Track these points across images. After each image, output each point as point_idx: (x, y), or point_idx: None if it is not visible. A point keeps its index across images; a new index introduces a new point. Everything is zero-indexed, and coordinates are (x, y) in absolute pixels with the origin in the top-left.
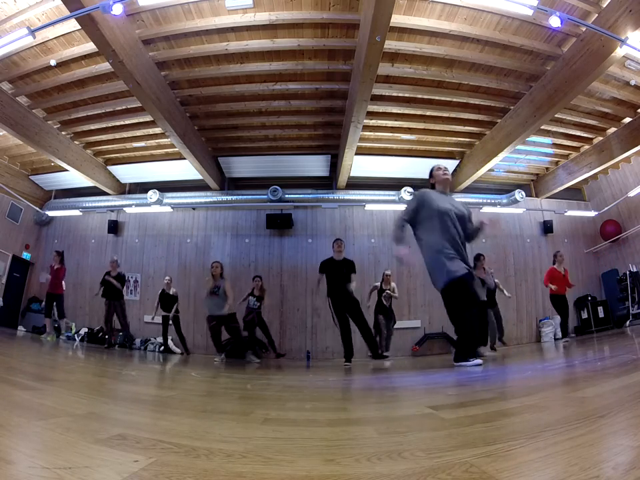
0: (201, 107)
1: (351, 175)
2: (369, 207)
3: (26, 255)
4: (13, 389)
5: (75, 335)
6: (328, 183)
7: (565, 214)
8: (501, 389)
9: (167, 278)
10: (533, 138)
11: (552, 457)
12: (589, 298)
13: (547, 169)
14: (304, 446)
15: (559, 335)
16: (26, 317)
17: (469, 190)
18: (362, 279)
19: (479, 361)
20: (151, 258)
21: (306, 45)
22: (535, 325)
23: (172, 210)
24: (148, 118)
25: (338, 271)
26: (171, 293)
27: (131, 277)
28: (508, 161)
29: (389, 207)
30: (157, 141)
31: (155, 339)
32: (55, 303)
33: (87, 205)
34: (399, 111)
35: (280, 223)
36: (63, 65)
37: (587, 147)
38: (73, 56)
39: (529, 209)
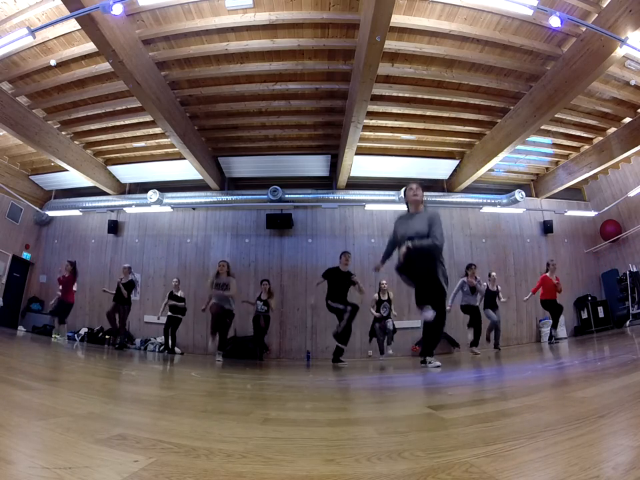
0: (200, 106)
1: (351, 175)
2: (368, 206)
3: (26, 255)
4: (13, 389)
5: (76, 336)
6: (328, 183)
7: (565, 214)
8: (500, 389)
9: (175, 279)
10: (533, 138)
11: (552, 456)
12: (589, 298)
13: (547, 168)
14: (304, 446)
15: (558, 335)
16: (26, 317)
17: (468, 190)
18: (362, 279)
19: (437, 362)
20: (151, 258)
21: (306, 45)
22: (535, 325)
23: (172, 210)
24: (148, 118)
25: (341, 281)
26: (179, 294)
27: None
28: (508, 161)
29: (389, 207)
30: (157, 141)
31: (155, 338)
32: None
33: (87, 204)
34: (399, 111)
35: (280, 223)
36: (63, 64)
37: (586, 146)
38: (72, 56)
39: (529, 209)
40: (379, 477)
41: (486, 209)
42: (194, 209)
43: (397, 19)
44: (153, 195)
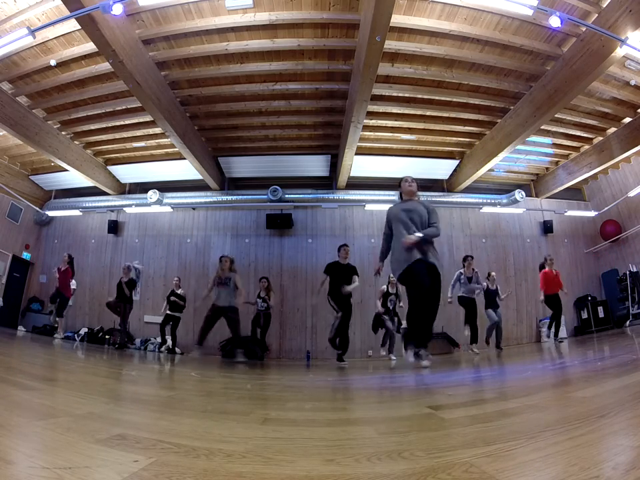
0: (200, 107)
1: (351, 175)
2: (368, 206)
3: (26, 255)
4: (13, 389)
5: (75, 335)
6: (328, 183)
7: (565, 214)
8: (500, 389)
9: (176, 278)
10: (533, 138)
11: (552, 456)
12: (589, 298)
13: (547, 168)
14: (304, 446)
15: (559, 335)
16: (26, 317)
17: (469, 190)
18: (362, 279)
19: (412, 358)
20: (151, 258)
21: (306, 45)
22: (535, 325)
23: (172, 210)
24: (148, 118)
25: (342, 275)
26: (179, 292)
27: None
28: (508, 161)
29: (389, 207)
30: (157, 140)
31: (155, 338)
32: (58, 300)
33: (87, 204)
34: (399, 111)
35: (280, 223)
36: (63, 64)
37: (586, 146)
38: (72, 56)
39: (529, 209)
40: (378, 477)
41: (486, 209)
42: (194, 209)
43: (397, 19)
44: (152, 195)
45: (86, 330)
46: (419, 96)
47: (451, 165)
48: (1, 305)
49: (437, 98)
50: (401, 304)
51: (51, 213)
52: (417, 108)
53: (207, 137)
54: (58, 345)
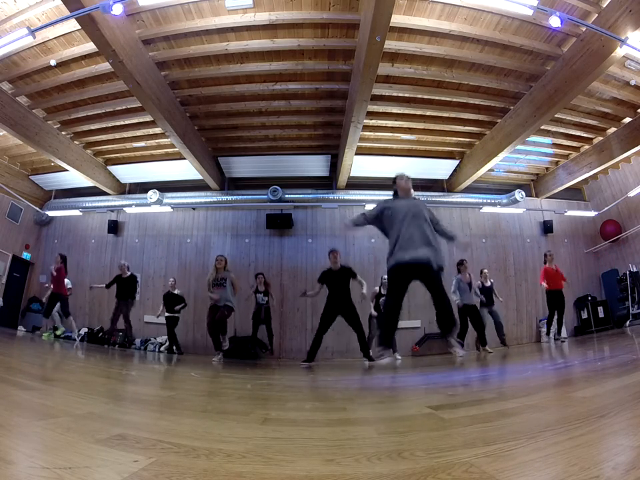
0: (200, 107)
1: (351, 175)
2: (369, 207)
3: (26, 255)
4: (13, 389)
5: (76, 336)
6: (328, 183)
7: (565, 214)
8: (500, 389)
9: (172, 279)
10: (533, 138)
11: (552, 456)
12: (589, 298)
13: (547, 168)
14: (304, 446)
15: (562, 334)
16: (26, 317)
17: (469, 190)
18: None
19: (386, 359)
20: (151, 258)
21: (306, 45)
22: (535, 325)
23: (172, 210)
24: (148, 118)
25: (336, 281)
26: (176, 293)
27: None
28: (508, 161)
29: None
30: (157, 140)
31: (155, 338)
32: (58, 303)
33: (87, 204)
34: (399, 111)
35: (280, 223)
36: (63, 64)
37: (586, 146)
38: (72, 56)
39: (529, 209)
40: (378, 477)
41: (486, 209)
42: (194, 209)
43: (397, 19)
44: (152, 195)
45: (86, 330)
46: (419, 96)
47: (450, 164)
48: (1, 305)
49: (437, 98)
50: None
51: (51, 213)
52: (417, 108)
53: (207, 137)
54: (56, 345)
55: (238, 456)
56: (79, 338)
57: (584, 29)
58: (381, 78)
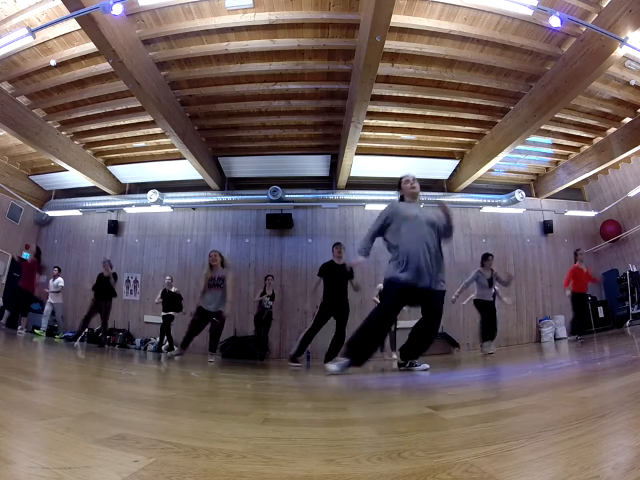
0: (201, 107)
1: (351, 175)
2: (369, 206)
3: (26, 255)
4: (13, 389)
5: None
6: (328, 183)
7: (565, 214)
8: (500, 389)
9: (168, 277)
10: (533, 138)
11: (552, 456)
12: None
13: (547, 168)
14: (304, 446)
15: (559, 334)
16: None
17: (469, 190)
18: (362, 279)
19: (426, 365)
20: (151, 258)
21: (306, 45)
22: (535, 325)
23: (172, 210)
24: (148, 118)
25: (337, 275)
26: (173, 290)
27: (131, 277)
28: (508, 161)
29: (391, 202)
30: (157, 140)
31: (155, 338)
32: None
33: (87, 205)
34: (399, 111)
35: (280, 223)
36: (63, 64)
37: (586, 146)
38: (72, 56)
39: (529, 209)
40: (378, 477)
41: (486, 209)
42: (194, 209)
43: (397, 19)
44: (152, 195)
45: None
46: (419, 96)
47: (451, 164)
48: (1, 304)
49: (437, 98)
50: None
51: (51, 213)
52: (417, 108)
53: (206, 137)
54: (57, 345)
55: (238, 456)
56: (79, 339)
57: (584, 28)
58: (381, 78)
